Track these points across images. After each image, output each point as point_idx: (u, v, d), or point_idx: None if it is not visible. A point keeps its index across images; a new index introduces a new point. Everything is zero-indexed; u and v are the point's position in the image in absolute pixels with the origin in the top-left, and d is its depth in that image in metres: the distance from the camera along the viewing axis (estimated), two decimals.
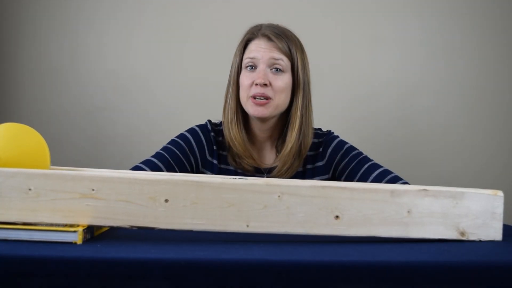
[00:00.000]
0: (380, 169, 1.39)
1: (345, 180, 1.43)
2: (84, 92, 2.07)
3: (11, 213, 0.89)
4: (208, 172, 1.43)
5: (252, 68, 1.39)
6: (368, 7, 2.10)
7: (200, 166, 1.43)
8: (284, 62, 1.39)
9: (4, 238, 0.88)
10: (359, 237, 0.95)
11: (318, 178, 1.44)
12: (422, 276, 0.80)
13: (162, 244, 0.90)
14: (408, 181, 1.35)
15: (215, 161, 1.44)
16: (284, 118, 1.43)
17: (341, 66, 2.11)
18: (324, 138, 1.48)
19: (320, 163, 1.46)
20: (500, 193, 1.00)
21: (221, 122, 1.47)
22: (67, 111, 2.07)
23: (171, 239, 0.94)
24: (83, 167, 1.15)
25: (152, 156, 1.40)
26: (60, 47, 2.07)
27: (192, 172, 1.42)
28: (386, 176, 1.37)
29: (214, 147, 1.44)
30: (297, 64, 1.40)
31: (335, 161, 1.45)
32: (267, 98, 1.36)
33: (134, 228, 0.91)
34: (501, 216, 1.00)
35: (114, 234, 0.99)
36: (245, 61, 1.40)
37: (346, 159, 1.44)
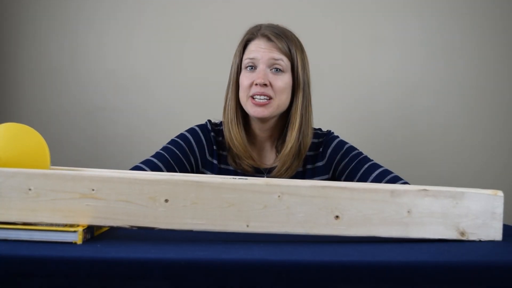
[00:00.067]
0: (380, 169, 1.39)
1: (345, 180, 1.43)
2: (84, 92, 2.07)
3: (11, 213, 0.89)
4: (208, 172, 1.43)
5: (252, 68, 1.39)
6: (368, 7, 2.10)
7: (200, 166, 1.43)
8: (284, 62, 1.39)
9: (4, 238, 0.88)
10: (359, 237, 0.95)
11: (318, 178, 1.44)
12: (422, 276, 0.80)
13: (162, 244, 0.90)
14: (408, 181, 1.35)
15: (215, 161, 1.44)
16: (284, 118, 1.43)
17: (341, 66, 2.11)
18: (324, 138, 1.48)
19: (320, 163, 1.46)
20: (500, 193, 1.00)
21: (221, 122, 1.47)
22: (67, 111, 2.07)
23: (171, 239, 0.94)
24: (83, 167, 1.15)
25: (152, 156, 1.40)
26: (60, 47, 2.07)
27: (192, 172, 1.42)
28: (386, 176, 1.37)
29: (214, 147, 1.44)
30: (297, 64, 1.40)
31: (335, 161, 1.45)
32: (268, 97, 1.36)
33: (134, 228, 0.91)
34: (501, 216, 0.99)
35: (114, 234, 0.99)
36: (245, 62, 1.40)
37: (346, 159, 1.44)
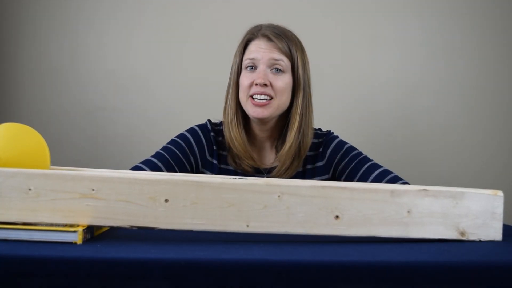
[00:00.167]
0: (380, 169, 1.39)
1: (345, 180, 1.43)
2: (84, 92, 2.07)
3: (11, 213, 0.89)
4: (208, 172, 1.43)
5: (252, 68, 1.39)
6: (368, 7, 2.10)
7: (200, 166, 1.43)
8: (284, 62, 1.39)
9: (4, 238, 0.88)
10: (359, 237, 0.95)
11: (318, 178, 1.44)
12: (422, 276, 0.80)
13: (162, 244, 0.90)
14: (408, 181, 1.35)
15: (215, 161, 1.44)
16: (284, 118, 1.43)
17: (341, 66, 2.11)
18: (324, 138, 1.48)
19: (320, 163, 1.46)
20: (500, 193, 1.00)
21: (221, 122, 1.47)
22: (67, 111, 2.07)
23: (171, 239, 0.94)
24: (83, 167, 1.15)
25: (152, 156, 1.40)
26: (60, 47, 2.07)
27: (192, 172, 1.42)
28: (386, 176, 1.37)
29: (214, 147, 1.44)
30: (297, 64, 1.40)
31: (335, 161, 1.45)
32: (269, 97, 1.36)
33: (134, 228, 0.91)
34: (501, 216, 1.00)
35: (114, 234, 0.99)
36: (245, 62, 1.40)
37: (346, 159, 1.44)
